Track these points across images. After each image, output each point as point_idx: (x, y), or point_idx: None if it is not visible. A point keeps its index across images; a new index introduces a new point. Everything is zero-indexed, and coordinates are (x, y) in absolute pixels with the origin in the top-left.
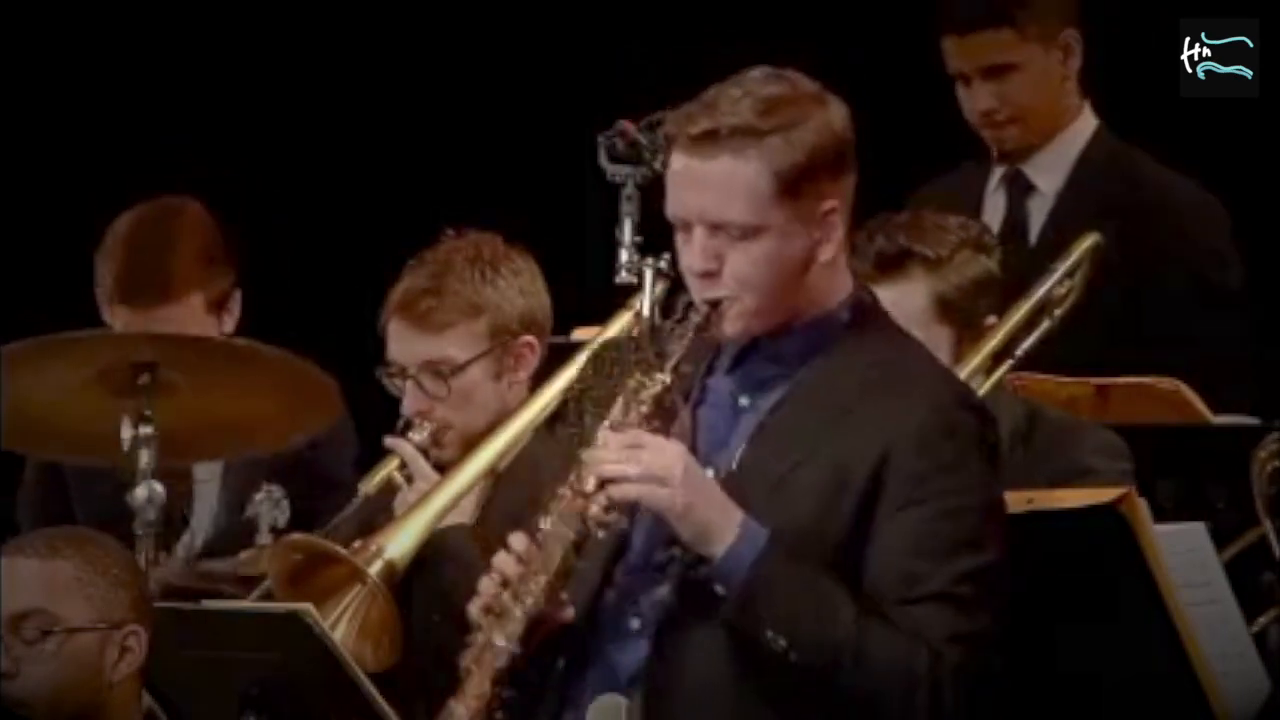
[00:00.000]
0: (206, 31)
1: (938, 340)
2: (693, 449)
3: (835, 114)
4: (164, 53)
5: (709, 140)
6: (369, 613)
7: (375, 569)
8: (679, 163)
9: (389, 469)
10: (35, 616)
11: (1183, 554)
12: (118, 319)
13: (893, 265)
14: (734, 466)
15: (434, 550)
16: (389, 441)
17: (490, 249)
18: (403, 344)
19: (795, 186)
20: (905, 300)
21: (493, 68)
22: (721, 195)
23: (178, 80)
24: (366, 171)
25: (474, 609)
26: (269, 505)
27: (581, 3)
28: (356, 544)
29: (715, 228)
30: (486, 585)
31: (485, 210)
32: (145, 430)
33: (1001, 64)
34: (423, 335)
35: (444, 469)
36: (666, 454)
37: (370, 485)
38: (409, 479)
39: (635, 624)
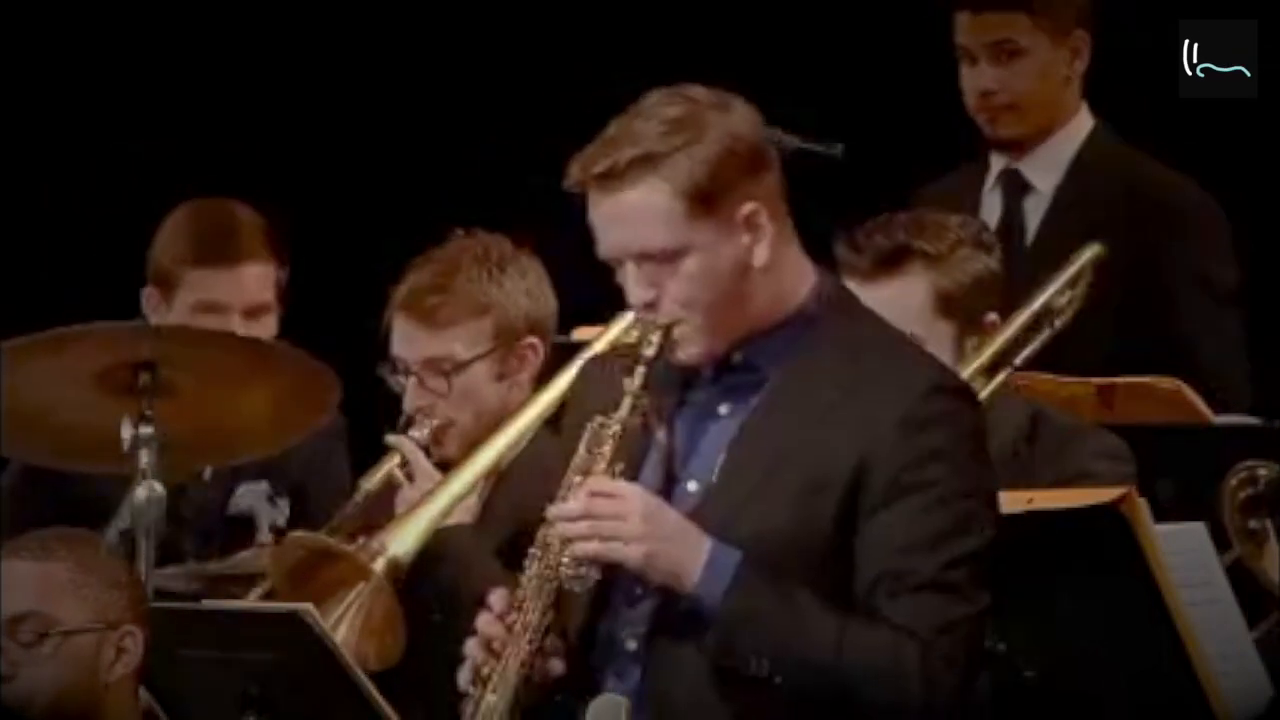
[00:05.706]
0: (210, 30)
1: (939, 337)
2: (670, 466)
3: (738, 117)
4: (168, 51)
5: (613, 176)
6: (372, 610)
7: (379, 566)
8: (594, 204)
9: (390, 466)
10: (31, 619)
11: (1183, 554)
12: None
13: (892, 262)
14: (713, 478)
15: (434, 550)
16: (390, 438)
17: (498, 249)
18: (407, 340)
19: (708, 200)
20: (905, 297)
21: (498, 68)
22: (638, 227)
23: (181, 79)
24: (372, 171)
25: (463, 678)
26: (264, 504)
27: (586, 5)
28: (359, 541)
29: (643, 258)
30: (474, 651)
31: (491, 210)
32: (145, 430)
33: (1009, 46)
34: (427, 332)
35: (445, 467)
36: (624, 506)
37: (372, 482)
38: (410, 476)
39: (632, 645)
